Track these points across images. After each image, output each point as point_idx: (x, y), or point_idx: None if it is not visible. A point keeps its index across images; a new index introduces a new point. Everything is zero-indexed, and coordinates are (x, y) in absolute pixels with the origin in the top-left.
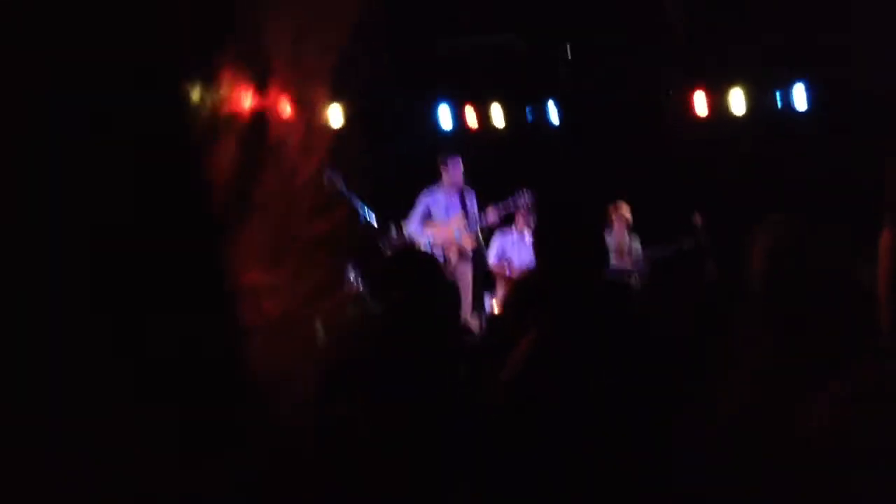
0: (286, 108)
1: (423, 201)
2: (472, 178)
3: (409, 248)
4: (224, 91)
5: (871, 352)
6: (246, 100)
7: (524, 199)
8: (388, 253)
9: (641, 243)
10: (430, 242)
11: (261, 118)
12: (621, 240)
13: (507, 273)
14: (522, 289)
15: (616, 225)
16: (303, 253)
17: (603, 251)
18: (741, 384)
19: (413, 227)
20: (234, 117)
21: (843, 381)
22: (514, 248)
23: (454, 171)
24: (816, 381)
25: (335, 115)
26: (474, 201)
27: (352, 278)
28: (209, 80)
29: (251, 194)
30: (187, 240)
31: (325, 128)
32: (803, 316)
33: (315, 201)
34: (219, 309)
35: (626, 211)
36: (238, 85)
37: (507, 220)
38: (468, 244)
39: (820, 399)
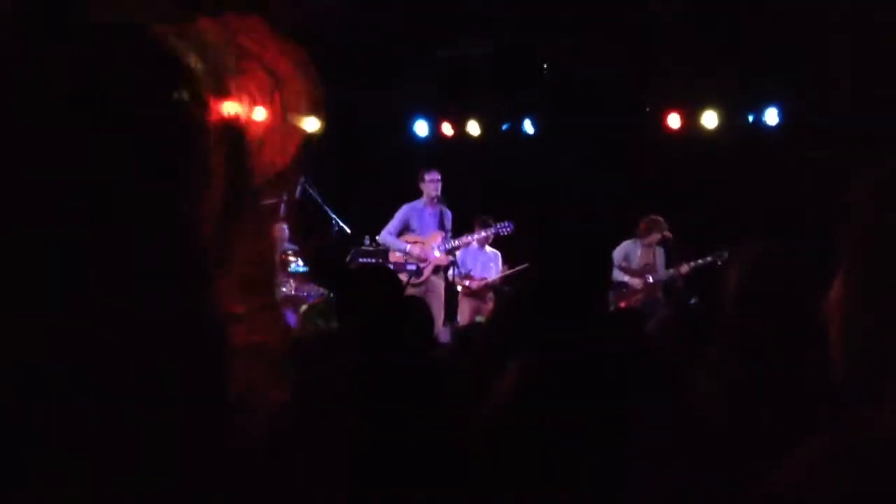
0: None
1: (404, 214)
2: (449, 188)
3: (374, 265)
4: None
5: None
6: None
7: (507, 229)
8: (358, 263)
9: (667, 258)
10: (407, 251)
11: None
12: (648, 254)
13: (467, 284)
14: (510, 307)
15: (649, 239)
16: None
17: (601, 273)
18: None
19: (390, 238)
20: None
21: (820, 433)
22: (474, 261)
23: (432, 184)
24: (787, 428)
25: (311, 123)
26: (450, 220)
27: (317, 290)
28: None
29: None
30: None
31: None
32: (773, 347)
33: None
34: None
35: (662, 228)
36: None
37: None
38: (443, 260)
39: (794, 453)
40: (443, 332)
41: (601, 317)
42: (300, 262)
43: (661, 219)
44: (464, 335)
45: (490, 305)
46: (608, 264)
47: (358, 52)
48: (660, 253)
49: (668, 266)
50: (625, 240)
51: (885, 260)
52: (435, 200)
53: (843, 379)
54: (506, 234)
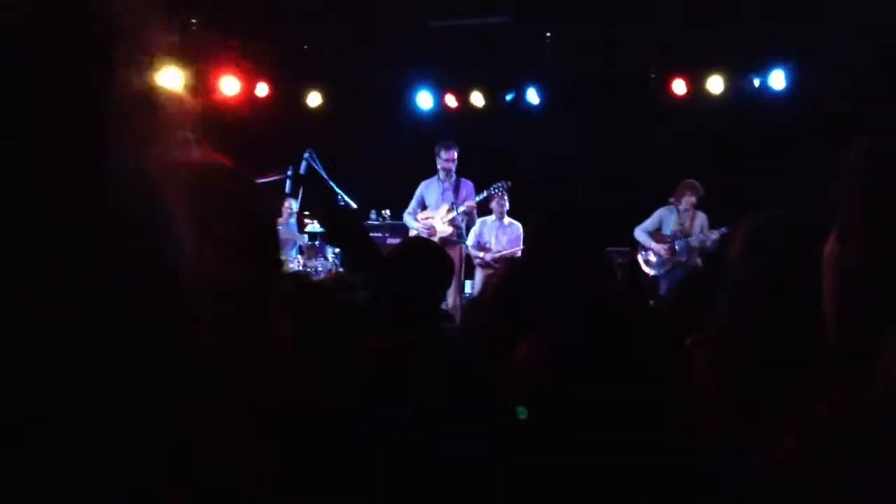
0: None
1: (419, 192)
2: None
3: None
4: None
5: (841, 372)
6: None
7: (501, 187)
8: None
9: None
10: (418, 228)
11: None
12: (688, 220)
13: (482, 256)
14: (512, 280)
15: (682, 203)
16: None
17: (598, 240)
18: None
19: (409, 219)
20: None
21: (811, 407)
22: (491, 234)
23: (448, 162)
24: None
25: (313, 98)
26: (469, 191)
27: (331, 259)
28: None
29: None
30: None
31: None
32: (770, 313)
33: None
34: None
35: (696, 190)
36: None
37: (486, 207)
38: (446, 231)
39: (785, 428)
40: (457, 307)
41: (604, 285)
42: (316, 224)
43: (694, 181)
44: (472, 307)
45: None
46: (604, 232)
47: (360, 25)
48: (700, 218)
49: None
50: (656, 207)
51: (875, 221)
52: (450, 174)
53: (836, 339)
54: (500, 193)
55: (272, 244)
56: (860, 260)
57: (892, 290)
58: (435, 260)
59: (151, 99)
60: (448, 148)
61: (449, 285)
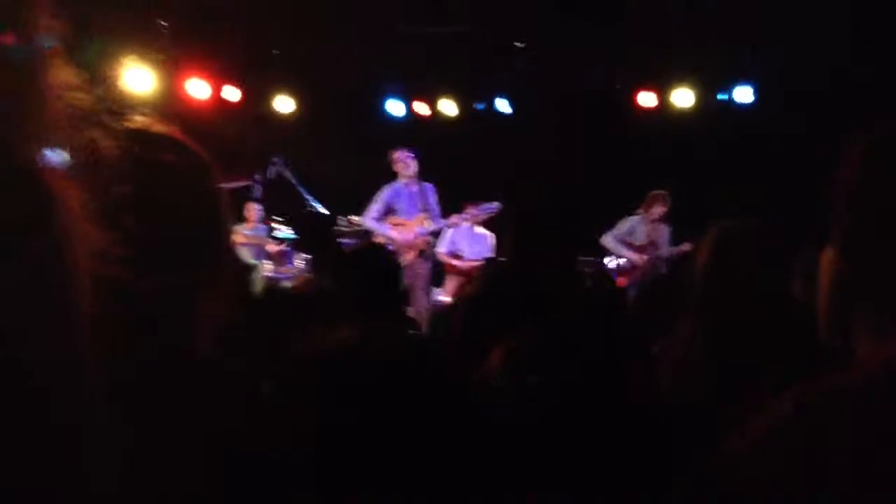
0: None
1: (385, 196)
2: (425, 168)
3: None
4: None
5: (810, 369)
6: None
7: (492, 210)
8: (339, 242)
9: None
10: (390, 235)
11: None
12: (653, 230)
13: (454, 264)
14: (491, 286)
15: (652, 213)
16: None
17: (571, 249)
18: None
19: (372, 223)
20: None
21: (780, 400)
22: (464, 241)
23: (402, 162)
24: (748, 396)
25: (284, 103)
26: (434, 196)
27: (299, 264)
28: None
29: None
30: None
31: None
32: (738, 320)
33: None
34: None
35: (665, 201)
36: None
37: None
38: (421, 244)
39: (753, 420)
40: (425, 313)
41: (579, 292)
42: (288, 230)
43: (664, 192)
44: (441, 315)
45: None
46: (577, 242)
47: (331, 32)
48: (664, 230)
49: (672, 244)
50: (621, 216)
51: (872, 222)
52: (413, 178)
53: (825, 338)
54: (491, 214)
55: (209, 244)
56: (856, 262)
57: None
58: (389, 267)
59: (34, 94)
60: (398, 149)
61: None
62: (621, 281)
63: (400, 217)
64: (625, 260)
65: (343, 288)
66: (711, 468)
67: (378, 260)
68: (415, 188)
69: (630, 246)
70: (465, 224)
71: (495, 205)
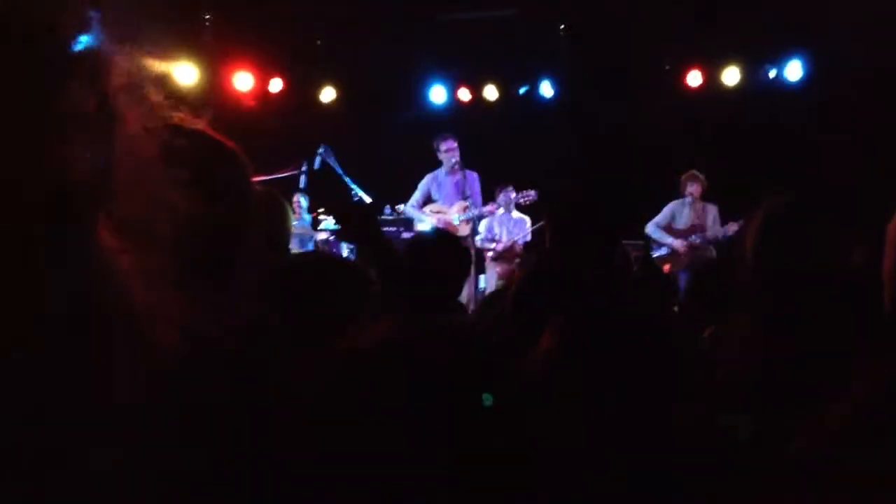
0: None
1: (425, 185)
2: (467, 154)
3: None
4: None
5: (877, 353)
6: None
7: (529, 197)
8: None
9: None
10: (432, 225)
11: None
12: (698, 212)
13: (493, 248)
14: (533, 278)
15: (692, 195)
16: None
17: (612, 241)
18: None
19: (413, 210)
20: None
21: (851, 391)
22: (501, 227)
23: (449, 153)
24: (812, 387)
25: (327, 93)
26: (478, 184)
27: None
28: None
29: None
30: None
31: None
32: (794, 301)
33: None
34: None
35: (698, 179)
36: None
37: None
38: (463, 230)
39: (824, 413)
40: (471, 301)
41: (623, 277)
42: (331, 220)
43: (694, 171)
44: (489, 302)
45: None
46: (614, 226)
47: (372, 20)
48: (711, 210)
49: (721, 224)
50: (664, 201)
51: None
52: (455, 168)
53: (890, 308)
54: (528, 202)
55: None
56: None
57: None
58: (459, 252)
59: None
60: (444, 139)
61: (467, 277)
62: (667, 268)
63: (441, 205)
64: (665, 249)
65: (395, 280)
66: (778, 458)
67: (454, 247)
68: (458, 176)
69: (674, 231)
70: (500, 211)
71: (530, 193)
